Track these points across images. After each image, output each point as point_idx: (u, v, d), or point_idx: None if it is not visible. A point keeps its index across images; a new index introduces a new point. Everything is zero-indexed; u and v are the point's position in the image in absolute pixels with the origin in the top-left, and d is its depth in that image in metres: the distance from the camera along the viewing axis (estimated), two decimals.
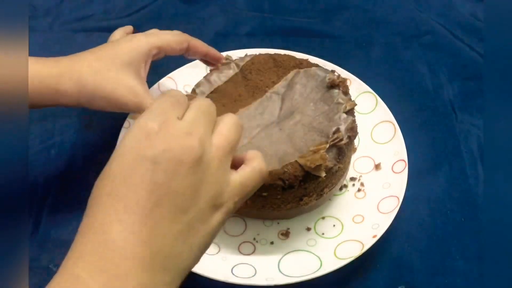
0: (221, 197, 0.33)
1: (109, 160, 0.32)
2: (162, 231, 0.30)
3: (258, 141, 0.50)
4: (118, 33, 0.58)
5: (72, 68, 0.49)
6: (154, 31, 0.56)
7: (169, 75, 0.64)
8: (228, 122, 0.35)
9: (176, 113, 0.33)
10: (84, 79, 0.48)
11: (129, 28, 0.60)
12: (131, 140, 0.31)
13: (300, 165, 0.47)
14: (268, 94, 0.54)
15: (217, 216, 0.33)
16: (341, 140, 0.49)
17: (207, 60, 0.58)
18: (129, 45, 0.51)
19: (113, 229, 0.29)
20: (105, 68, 0.49)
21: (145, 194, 0.30)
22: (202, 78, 0.56)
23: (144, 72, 0.52)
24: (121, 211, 0.29)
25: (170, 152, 0.30)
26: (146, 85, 0.52)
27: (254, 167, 0.35)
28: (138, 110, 0.50)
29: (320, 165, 0.47)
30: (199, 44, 0.56)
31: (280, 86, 0.54)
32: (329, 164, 0.48)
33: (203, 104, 0.34)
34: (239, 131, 0.35)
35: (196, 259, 0.33)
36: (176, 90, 0.39)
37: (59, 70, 0.48)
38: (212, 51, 0.57)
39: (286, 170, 0.47)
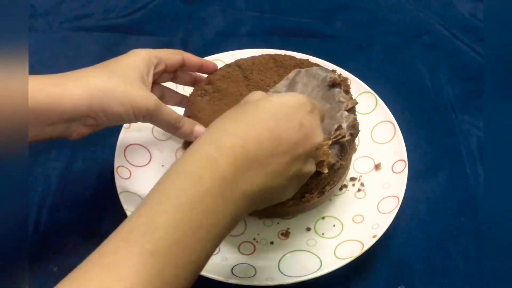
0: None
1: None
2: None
3: None
4: None
5: (76, 75, 0.45)
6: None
7: None
8: None
9: None
10: (93, 82, 0.45)
11: None
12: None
13: None
14: (269, 93, 0.54)
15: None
16: (344, 137, 0.49)
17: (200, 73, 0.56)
18: (130, 56, 0.48)
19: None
20: (112, 73, 0.46)
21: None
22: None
23: (148, 82, 0.49)
24: None
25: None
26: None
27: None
28: (156, 112, 0.46)
29: (323, 161, 0.47)
30: (193, 57, 0.54)
31: (281, 85, 0.54)
32: (332, 160, 0.48)
33: None
34: None
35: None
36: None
37: (60, 81, 0.44)
38: (206, 62, 0.55)
39: None
